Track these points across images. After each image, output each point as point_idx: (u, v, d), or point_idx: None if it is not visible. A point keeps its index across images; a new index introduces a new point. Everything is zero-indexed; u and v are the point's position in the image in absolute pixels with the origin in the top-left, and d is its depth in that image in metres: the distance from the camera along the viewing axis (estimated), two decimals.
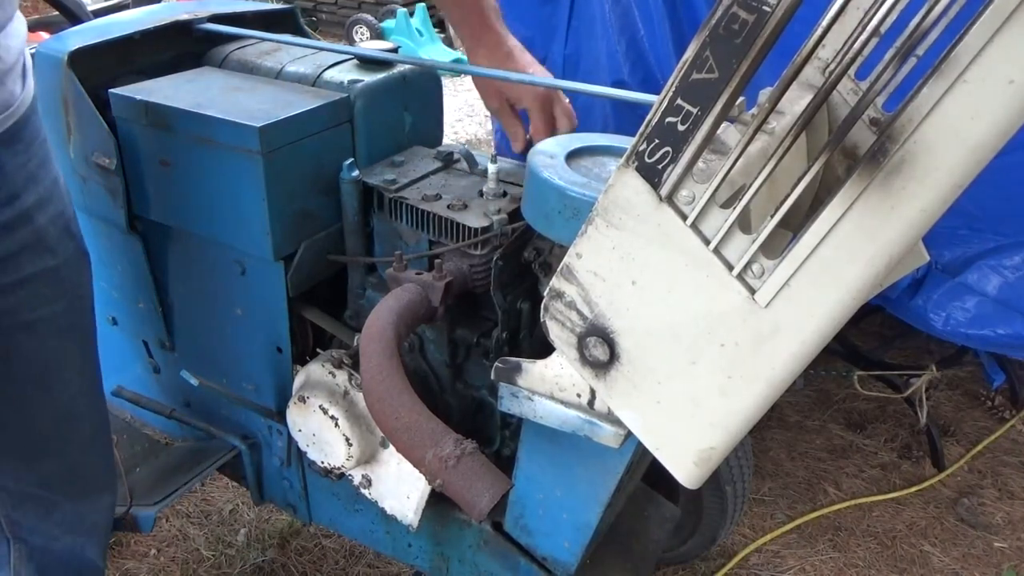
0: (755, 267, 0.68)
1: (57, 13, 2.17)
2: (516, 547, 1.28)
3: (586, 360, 0.82)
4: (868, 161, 0.60)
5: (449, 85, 5.37)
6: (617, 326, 0.78)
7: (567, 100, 1.29)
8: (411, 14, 6.15)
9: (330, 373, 1.23)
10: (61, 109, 1.28)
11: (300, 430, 1.27)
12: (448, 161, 1.30)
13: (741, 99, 0.89)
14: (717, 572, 1.95)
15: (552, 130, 1.27)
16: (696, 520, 1.80)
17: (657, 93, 0.70)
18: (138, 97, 1.19)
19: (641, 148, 0.70)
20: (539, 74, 1.24)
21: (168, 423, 1.58)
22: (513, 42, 1.27)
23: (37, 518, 1.18)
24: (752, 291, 0.69)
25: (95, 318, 1.20)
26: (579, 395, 0.90)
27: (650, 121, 0.69)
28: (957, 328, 1.83)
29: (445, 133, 1.47)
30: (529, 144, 1.28)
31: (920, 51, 0.92)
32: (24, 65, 1.00)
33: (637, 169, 0.71)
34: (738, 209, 0.67)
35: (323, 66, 1.32)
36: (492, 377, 0.95)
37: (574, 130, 1.27)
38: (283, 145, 1.15)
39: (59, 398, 1.13)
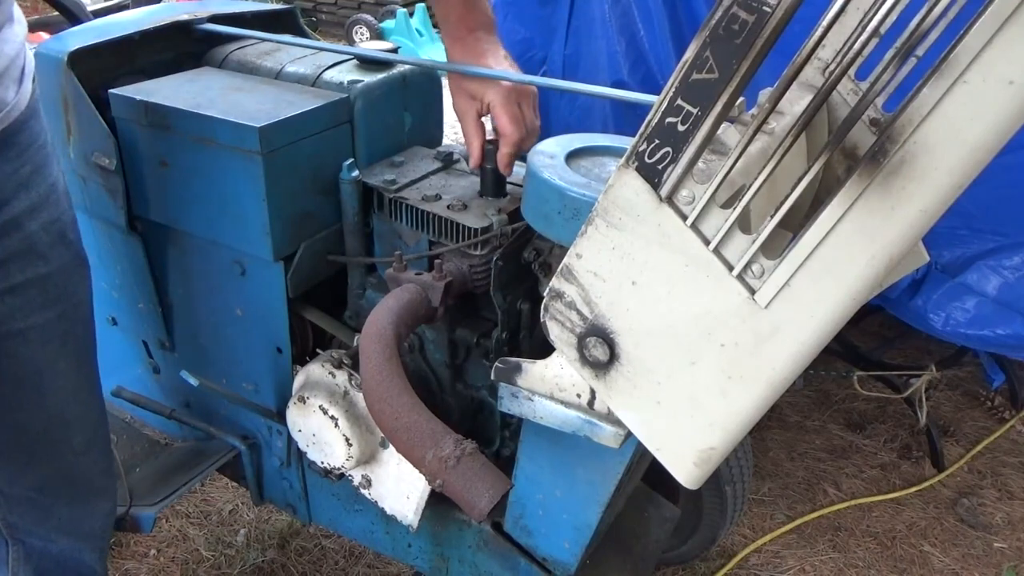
0: (755, 267, 0.68)
1: (57, 13, 2.18)
2: (516, 547, 1.28)
3: (586, 360, 0.82)
4: (868, 161, 0.60)
5: None
6: (617, 326, 0.78)
7: (535, 99, 1.20)
8: (411, 14, 6.15)
9: (330, 373, 1.23)
10: (61, 109, 1.28)
11: (300, 430, 1.27)
12: (448, 161, 1.30)
13: (741, 99, 0.89)
14: (717, 572, 1.95)
15: (518, 127, 1.17)
16: (696, 520, 1.80)
17: (657, 93, 0.70)
18: (138, 97, 1.19)
19: (641, 148, 0.70)
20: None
21: (168, 423, 1.58)
22: (493, 41, 1.20)
23: (34, 522, 1.18)
24: (752, 291, 0.69)
25: (94, 325, 1.18)
26: (579, 395, 0.90)
27: (650, 121, 0.69)
28: (957, 328, 1.83)
29: (445, 133, 1.47)
30: (485, 151, 1.19)
31: (920, 51, 0.92)
32: (23, 69, 0.97)
33: (637, 169, 0.70)
34: (738, 209, 0.67)
35: (323, 66, 1.32)
36: (492, 377, 0.95)
37: (537, 132, 1.18)
38: (283, 145, 1.15)
39: (52, 405, 1.12)
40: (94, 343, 1.19)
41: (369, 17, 6.54)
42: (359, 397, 1.20)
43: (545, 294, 0.82)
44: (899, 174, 0.59)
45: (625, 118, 2.19)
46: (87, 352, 1.18)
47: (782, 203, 0.65)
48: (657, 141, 0.69)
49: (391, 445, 1.09)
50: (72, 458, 1.19)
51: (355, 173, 1.21)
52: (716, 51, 0.63)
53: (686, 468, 0.79)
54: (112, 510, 1.31)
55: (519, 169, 1.26)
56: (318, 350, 1.32)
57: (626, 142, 0.98)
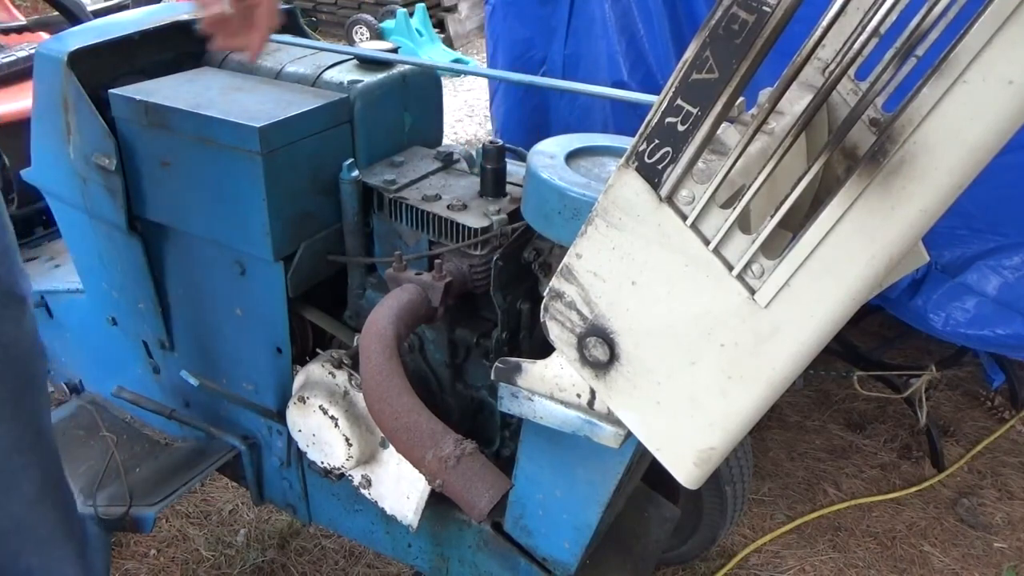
0: (755, 267, 0.68)
1: (57, 13, 2.18)
2: (516, 547, 1.28)
3: (586, 360, 0.82)
4: (868, 161, 0.60)
5: (449, 85, 5.37)
6: (617, 326, 0.78)
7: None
8: (411, 14, 6.15)
9: (330, 373, 1.23)
10: (61, 109, 1.28)
11: (300, 430, 1.27)
12: (448, 161, 1.30)
13: (741, 99, 0.89)
14: (717, 572, 1.95)
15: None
16: (696, 520, 1.80)
17: (657, 93, 0.70)
18: (138, 97, 1.19)
19: (641, 148, 0.70)
20: None
21: (168, 423, 1.58)
22: None
23: (7, 558, 1.14)
24: (752, 291, 0.69)
25: (37, 363, 1.10)
26: (579, 395, 0.90)
27: (650, 121, 0.69)
28: (957, 328, 1.83)
29: (445, 133, 1.47)
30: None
31: (920, 51, 0.92)
32: None
33: (637, 169, 0.70)
34: (738, 209, 0.67)
35: (323, 66, 1.32)
36: (492, 377, 0.95)
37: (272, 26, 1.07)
38: (283, 145, 1.15)
39: None
40: (36, 383, 1.10)
41: (369, 17, 6.54)
42: (359, 397, 1.20)
43: (545, 294, 0.82)
44: (899, 174, 0.59)
45: (625, 118, 2.19)
46: (28, 395, 1.08)
47: (782, 203, 0.65)
48: (657, 141, 0.69)
49: (391, 445, 1.09)
50: (27, 508, 1.12)
51: (355, 173, 1.21)
52: (716, 51, 0.63)
53: (686, 468, 0.79)
54: (82, 552, 1.25)
55: (519, 169, 1.26)
56: (318, 350, 1.32)
57: (626, 142, 0.98)
